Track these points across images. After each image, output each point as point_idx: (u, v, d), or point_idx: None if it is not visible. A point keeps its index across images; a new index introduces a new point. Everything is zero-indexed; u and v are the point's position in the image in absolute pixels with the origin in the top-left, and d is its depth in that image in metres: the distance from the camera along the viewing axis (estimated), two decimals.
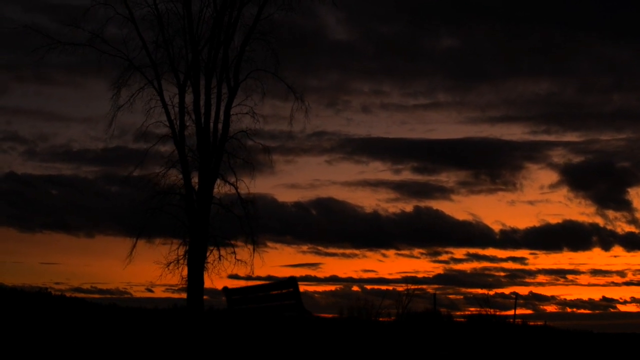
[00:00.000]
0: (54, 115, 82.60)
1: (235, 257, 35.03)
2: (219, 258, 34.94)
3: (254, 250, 34.80)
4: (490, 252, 74.41)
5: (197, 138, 35.40)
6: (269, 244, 59.79)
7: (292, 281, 18.08)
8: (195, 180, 35.56)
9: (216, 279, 35.21)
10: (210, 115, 35.43)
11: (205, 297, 35.80)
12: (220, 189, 35.45)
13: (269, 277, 64.35)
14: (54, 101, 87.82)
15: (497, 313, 56.26)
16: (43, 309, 58.85)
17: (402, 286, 73.80)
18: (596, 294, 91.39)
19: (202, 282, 35.08)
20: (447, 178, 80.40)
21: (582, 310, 69.94)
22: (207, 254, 35.02)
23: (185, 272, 34.96)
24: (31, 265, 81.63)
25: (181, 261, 34.97)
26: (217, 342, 28.69)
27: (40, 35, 35.09)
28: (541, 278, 74.46)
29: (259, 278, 64.10)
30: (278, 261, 75.47)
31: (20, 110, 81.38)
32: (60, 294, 64.74)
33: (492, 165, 73.80)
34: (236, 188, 35.14)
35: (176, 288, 55.32)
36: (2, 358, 25.96)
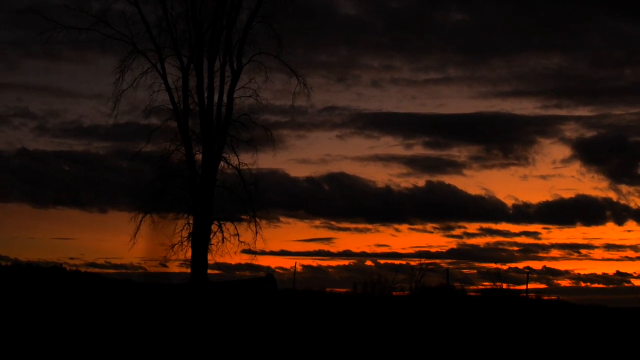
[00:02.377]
0: (64, 92, 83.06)
1: (238, 240, 35.34)
2: (222, 240, 35.27)
3: (256, 233, 35.14)
4: (503, 226, 74.41)
5: (200, 121, 35.62)
6: (282, 218, 60.15)
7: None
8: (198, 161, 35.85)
9: (227, 254, 35.63)
10: (213, 98, 35.69)
11: (219, 271, 36.19)
12: (224, 171, 35.70)
13: (282, 252, 64.90)
14: (64, 77, 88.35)
15: (511, 287, 56.52)
16: (58, 284, 59.65)
17: (415, 261, 73.98)
18: (610, 269, 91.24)
19: (206, 263, 35.51)
20: (458, 153, 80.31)
21: (596, 285, 69.99)
22: (211, 235, 35.35)
23: (189, 254, 35.33)
24: (45, 240, 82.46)
25: (185, 243, 35.35)
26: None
27: (45, 19, 35.28)
28: (555, 252, 74.42)
29: (272, 253, 64.74)
30: (291, 236, 75.75)
31: (31, 86, 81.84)
32: (75, 269, 65.48)
33: (504, 139, 73.57)
34: (239, 170, 35.45)
35: (189, 263, 55.94)
36: (21, 334, 26.58)
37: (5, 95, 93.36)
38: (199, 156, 35.91)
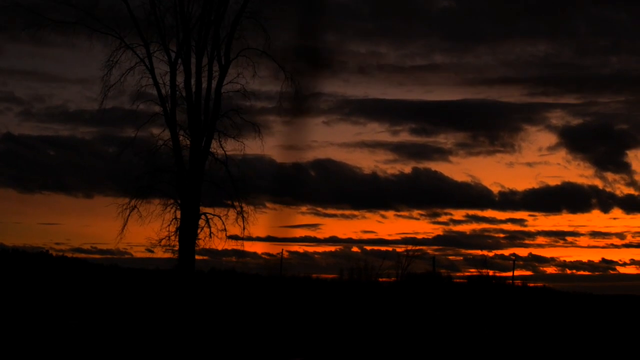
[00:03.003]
0: (49, 76, 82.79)
1: (226, 235, 35.56)
2: (210, 235, 35.47)
3: (243, 228, 35.35)
4: (489, 213, 74.98)
5: (188, 116, 35.69)
6: (268, 204, 60.24)
7: None
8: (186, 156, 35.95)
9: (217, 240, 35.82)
10: (201, 93, 35.70)
11: (205, 257, 36.31)
12: (211, 164, 35.81)
13: (268, 238, 64.98)
14: (50, 62, 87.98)
15: (497, 274, 57.07)
16: (45, 270, 59.74)
17: (401, 247, 74.39)
18: (596, 256, 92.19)
19: (194, 257, 35.73)
20: (445, 140, 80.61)
21: (581, 272, 70.66)
22: (198, 230, 35.53)
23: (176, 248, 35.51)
24: (31, 225, 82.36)
25: (172, 237, 35.52)
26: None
27: (31, 14, 35.13)
28: (540, 240, 75.00)
29: (259, 239, 64.84)
30: (277, 222, 75.84)
31: (16, 71, 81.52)
32: (62, 254, 65.63)
33: (490, 127, 73.91)
34: (226, 166, 35.53)
35: (176, 248, 56.13)
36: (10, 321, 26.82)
37: None
38: (186, 151, 35.99)
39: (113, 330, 26.85)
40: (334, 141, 76.77)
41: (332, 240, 70.42)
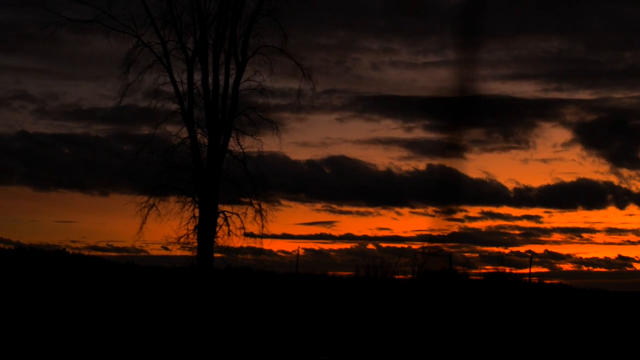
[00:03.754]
0: (62, 74, 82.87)
1: (244, 234, 35.50)
2: (228, 234, 35.44)
3: (262, 227, 35.27)
4: (504, 210, 74.76)
5: (205, 114, 35.67)
6: (283, 202, 60.23)
7: None
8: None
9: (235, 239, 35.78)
10: (218, 91, 35.66)
11: (221, 255, 36.39)
12: (229, 163, 35.79)
13: (284, 235, 65.04)
14: (63, 60, 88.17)
15: (513, 271, 56.82)
16: (62, 268, 59.90)
17: (417, 244, 74.27)
18: (612, 253, 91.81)
19: (212, 256, 35.70)
20: (459, 136, 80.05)
21: (598, 269, 70.35)
22: (217, 229, 35.51)
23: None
24: (47, 223, 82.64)
25: (191, 236, 35.49)
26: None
27: (48, 11, 35.18)
28: (556, 236, 74.73)
29: (274, 236, 64.87)
30: (293, 219, 75.96)
31: (29, 69, 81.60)
32: (78, 252, 65.82)
33: (505, 123, 73.43)
34: (244, 164, 35.47)
35: (190, 246, 56.04)
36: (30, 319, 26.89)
37: (4, 77, 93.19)
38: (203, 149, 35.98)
39: (135, 329, 26.85)
40: (348, 138, 76.68)
41: (348, 237, 70.42)
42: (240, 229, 35.65)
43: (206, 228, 35.34)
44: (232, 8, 35.44)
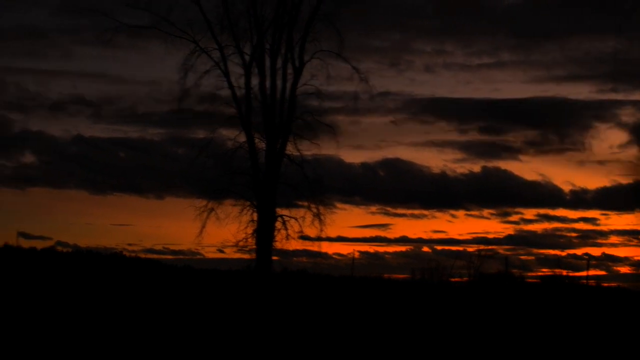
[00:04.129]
0: (118, 78, 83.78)
1: (300, 236, 35.64)
2: (287, 237, 35.60)
3: (320, 230, 35.35)
4: (560, 212, 73.61)
5: (263, 118, 35.88)
6: (338, 204, 60.22)
7: None
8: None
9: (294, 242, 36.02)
10: (275, 95, 35.83)
11: (276, 257, 36.59)
12: (287, 168, 35.95)
13: (339, 238, 65.01)
14: (118, 64, 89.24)
15: (570, 274, 56.18)
16: (119, 270, 60.58)
17: (472, 247, 73.79)
18: None
19: (271, 258, 35.91)
20: (514, 138, 79.43)
21: None
22: (275, 232, 35.67)
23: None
24: (103, 226, 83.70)
25: (250, 240, 35.71)
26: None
27: (107, 18, 35.64)
28: (614, 239, 73.39)
29: (329, 239, 64.89)
30: (347, 222, 75.85)
31: (85, 73, 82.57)
32: (135, 255, 66.56)
33: (560, 124, 72.60)
34: (302, 168, 35.59)
35: (247, 249, 56.30)
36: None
37: (60, 82, 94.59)
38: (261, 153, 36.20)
39: (201, 331, 27.05)
40: (402, 140, 76.22)
41: (402, 240, 70.14)
42: (299, 232, 35.80)
43: (264, 232, 35.53)
44: (288, 13, 35.59)
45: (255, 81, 36.04)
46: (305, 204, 36.00)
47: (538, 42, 76.55)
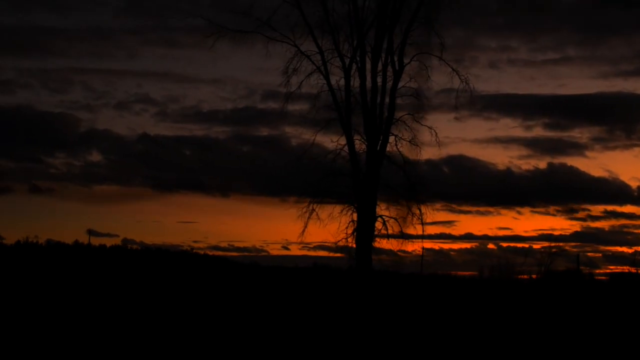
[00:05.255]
0: (182, 77, 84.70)
1: (402, 237, 36.24)
2: (387, 238, 36.24)
3: (422, 231, 35.95)
4: (628, 209, 73.63)
5: (363, 120, 36.50)
6: (401, 201, 60.65)
7: None
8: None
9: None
10: (376, 98, 36.46)
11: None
12: (387, 169, 36.56)
13: (402, 235, 65.23)
14: (182, 63, 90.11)
15: (639, 271, 56.22)
16: (192, 267, 61.47)
17: (538, 244, 73.82)
18: None
19: (370, 258, 36.54)
20: (580, 134, 79.45)
21: None
22: (375, 233, 36.31)
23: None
24: (169, 224, 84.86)
25: (350, 239, 36.37)
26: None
27: (210, 23, 36.35)
28: None
29: (393, 236, 65.06)
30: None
31: (149, 73, 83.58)
32: (203, 253, 67.55)
33: (627, 120, 72.64)
34: (404, 170, 36.19)
35: (312, 246, 57.06)
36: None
37: (125, 82, 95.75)
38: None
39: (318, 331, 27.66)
40: (467, 137, 76.61)
41: (468, 237, 70.60)
42: (399, 233, 36.40)
43: (364, 232, 36.18)
44: (389, 17, 36.18)
45: (355, 84, 36.66)
46: (404, 203, 36.63)
47: (604, 37, 76.34)
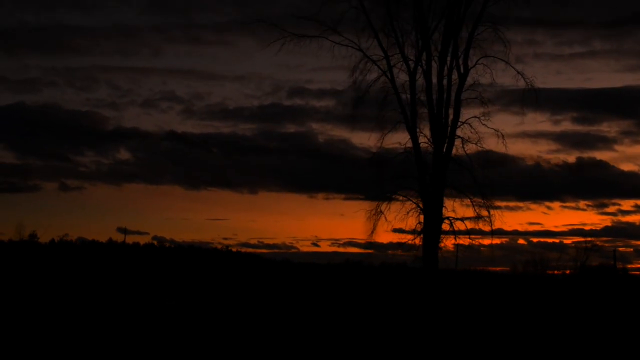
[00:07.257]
0: (207, 74, 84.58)
1: (469, 238, 36.86)
2: (455, 238, 36.83)
3: (492, 233, 36.54)
4: None
5: (430, 123, 37.00)
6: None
7: None
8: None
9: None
10: (442, 101, 36.95)
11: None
12: (453, 173, 37.09)
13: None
14: (206, 60, 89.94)
15: None
16: (226, 263, 61.84)
17: (568, 239, 74.00)
18: None
19: (437, 259, 37.14)
20: (608, 128, 79.55)
21: None
22: (441, 236, 36.88)
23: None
24: (199, 221, 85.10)
25: (417, 241, 36.95)
26: None
27: (275, 28, 36.71)
28: None
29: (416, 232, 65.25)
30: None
31: (174, 70, 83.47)
32: (236, 250, 67.95)
33: None
34: (472, 173, 36.73)
35: (341, 242, 57.50)
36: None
37: (151, 79, 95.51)
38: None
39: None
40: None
41: (498, 232, 70.60)
42: (466, 233, 37.01)
43: (431, 233, 36.73)
44: (455, 23, 36.64)
45: (420, 87, 37.15)
46: (469, 203, 37.25)
47: (630, 30, 76.28)
